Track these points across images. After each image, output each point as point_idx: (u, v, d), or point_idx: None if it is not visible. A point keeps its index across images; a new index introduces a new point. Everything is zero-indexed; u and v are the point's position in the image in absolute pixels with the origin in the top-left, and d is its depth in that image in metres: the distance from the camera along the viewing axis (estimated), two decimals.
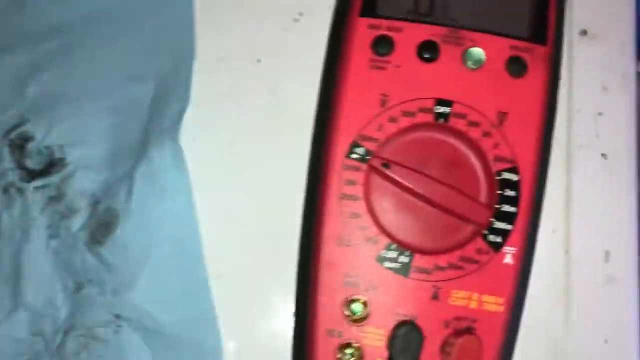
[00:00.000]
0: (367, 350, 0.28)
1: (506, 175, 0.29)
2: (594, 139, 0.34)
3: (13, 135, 0.33)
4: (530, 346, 0.32)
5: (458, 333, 0.28)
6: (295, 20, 0.35)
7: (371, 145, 0.29)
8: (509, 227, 0.29)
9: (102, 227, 0.32)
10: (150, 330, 0.32)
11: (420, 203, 0.29)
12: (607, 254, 0.34)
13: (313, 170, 0.31)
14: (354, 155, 0.29)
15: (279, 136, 0.33)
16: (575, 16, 0.35)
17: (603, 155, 0.34)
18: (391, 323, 0.28)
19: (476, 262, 0.29)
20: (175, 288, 0.32)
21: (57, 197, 0.33)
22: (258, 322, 0.32)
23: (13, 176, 0.33)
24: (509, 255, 0.29)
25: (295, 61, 0.34)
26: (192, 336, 0.32)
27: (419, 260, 0.29)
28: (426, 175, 0.29)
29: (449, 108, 0.29)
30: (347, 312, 0.29)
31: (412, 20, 0.30)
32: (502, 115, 0.29)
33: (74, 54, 0.34)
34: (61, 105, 0.34)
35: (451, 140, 0.30)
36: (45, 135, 0.33)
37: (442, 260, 0.29)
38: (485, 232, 0.29)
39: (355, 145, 0.29)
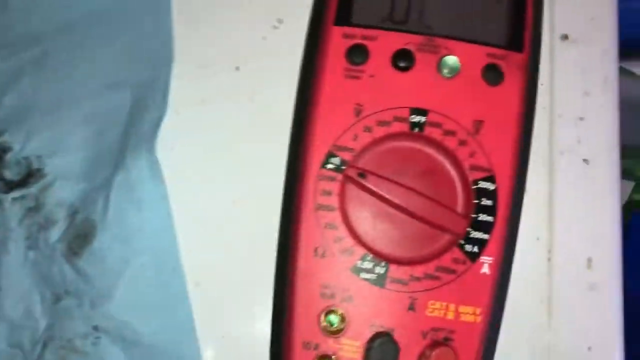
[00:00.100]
0: None
1: (483, 184, 0.29)
2: (575, 144, 0.34)
3: None
4: (513, 353, 0.32)
5: (434, 345, 0.28)
6: (275, 27, 0.34)
7: (347, 155, 0.29)
8: (485, 236, 0.29)
9: (80, 238, 0.32)
10: (129, 341, 0.31)
11: (396, 213, 0.29)
12: (589, 260, 0.33)
13: (289, 181, 0.30)
14: (330, 166, 0.29)
15: (257, 144, 0.33)
16: (557, 21, 0.35)
17: (585, 160, 0.34)
18: (367, 335, 0.28)
19: (453, 272, 0.29)
20: (154, 299, 0.32)
21: (35, 208, 0.33)
22: (236, 329, 0.32)
23: None
24: (486, 265, 0.29)
25: (275, 68, 0.33)
26: (171, 347, 0.32)
27: (395, 271, 0.29)
28: (402, 185, 0.29)
29: (424, 117, 0.29)
30: (323, 324, 0.28)
31: (387, 29, 0.29)
32: (478, 124, 0.29)
33: (51, 63, 0.34)
34: (39, 114, 0.33)
35: (427, 149, 0.29)
36: (23, 145, 0.33)
37: (419, 271, 0.29)
38: (462, 241, 0.29)
39: (331, 155, 0.29)
